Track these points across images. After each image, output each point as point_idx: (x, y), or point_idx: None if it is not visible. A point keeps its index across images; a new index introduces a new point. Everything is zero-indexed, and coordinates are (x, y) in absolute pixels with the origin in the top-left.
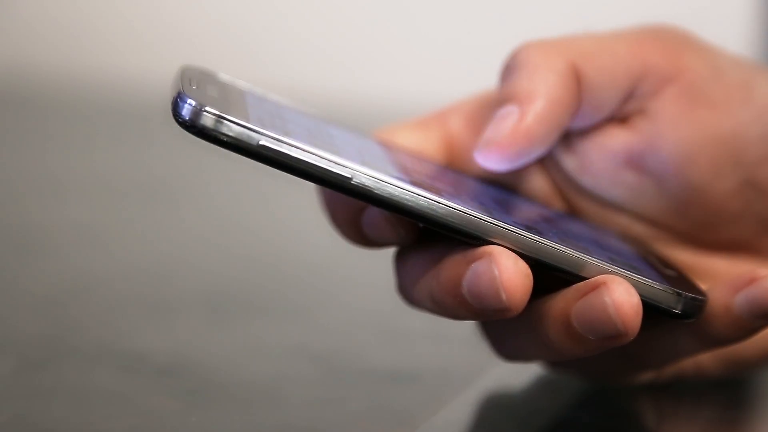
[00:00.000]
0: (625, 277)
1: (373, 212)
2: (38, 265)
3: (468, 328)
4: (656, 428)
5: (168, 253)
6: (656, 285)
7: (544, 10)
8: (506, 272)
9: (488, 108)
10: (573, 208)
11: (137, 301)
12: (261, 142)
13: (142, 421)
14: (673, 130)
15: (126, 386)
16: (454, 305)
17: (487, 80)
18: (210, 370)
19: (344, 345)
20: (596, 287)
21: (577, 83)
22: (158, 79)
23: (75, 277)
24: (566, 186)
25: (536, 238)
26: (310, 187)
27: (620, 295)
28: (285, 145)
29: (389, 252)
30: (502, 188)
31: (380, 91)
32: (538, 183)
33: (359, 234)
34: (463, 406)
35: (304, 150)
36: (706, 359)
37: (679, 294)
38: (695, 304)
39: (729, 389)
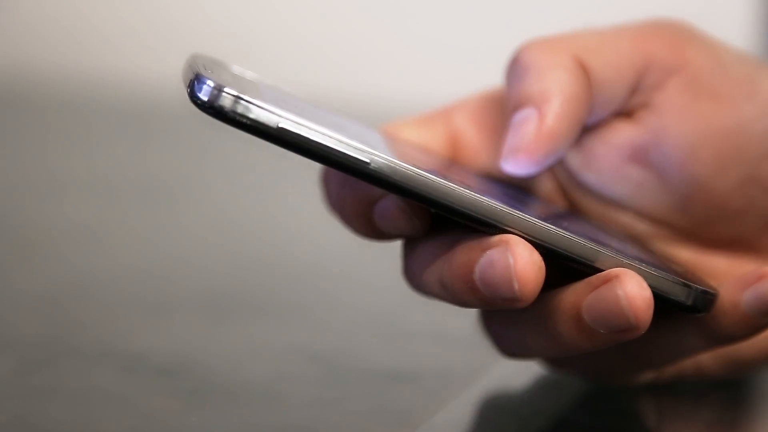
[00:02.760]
0: (638, 270)
1: (386, 203)
2: (38, 265)
3: (468, 328)
4: (656, 428)
5: (168, 253)
6: (669, 277)
7: (544, 9)
8: (521, 262)
9: (494, 106)
10: (574, 205)
11: (137, 301)
12: (280, 125)
13: (142, 421)
14: (677, 123)
15: (126, 386)
16: (464, 291)
17: (488, 80)
18: (210, 370)
19: (344, 345)
20: (608, 280)
21: (587, 77)
22: (158, 80)
23: (75, 277)
24: (568, 183)
25: (552, 227)
26: (310, 187)
27: (633, 288)
28: (304, 128)
29: (390, 252)
30: (507, 184)
31: (380, 91)
32: (541, 182)
33: (370, 226)
34: (463, 406)
35: (323, 133)
36: (706, 359)
37: (690, 287)
38: (706, 298)
39: (729, 389)
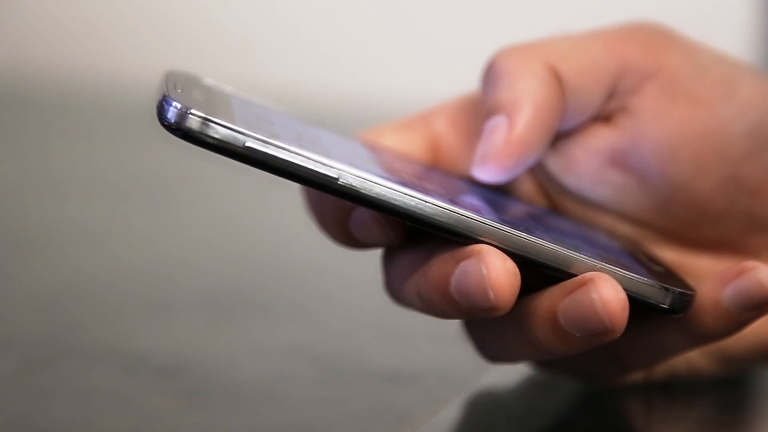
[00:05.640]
0: (613, 274)
1: (361, 213)
2: (38, 265)
3: None
4: (657, 428)
5: (168, 253)
6: (644, 280)
7: (541, 10)
8: (494, 271)
9: (473, 109)
10: (557, 208)
11: (137, 301)
12: (247, 144)
13: (142, 421)
14: (654, 127)
15: (126, 386)
16: (442, 303)
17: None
18: (210, 370)
19: (344, 345)
20: (583, 284)
21: (559, 84)
22: (158, 80)
23: (75, 277)
24: (551, 187)
25: (524, 235)
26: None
27: (607, 292)
28: (271, 146)
29: None
30: (487, 188)
31: (377, 91)
32: (523, 184)
33: (347, 235)
34: (463, 406)
35: (290, 151)
36: (698, 358)
37: (667, 289)
38: (683, 299)
39: (728, 389)
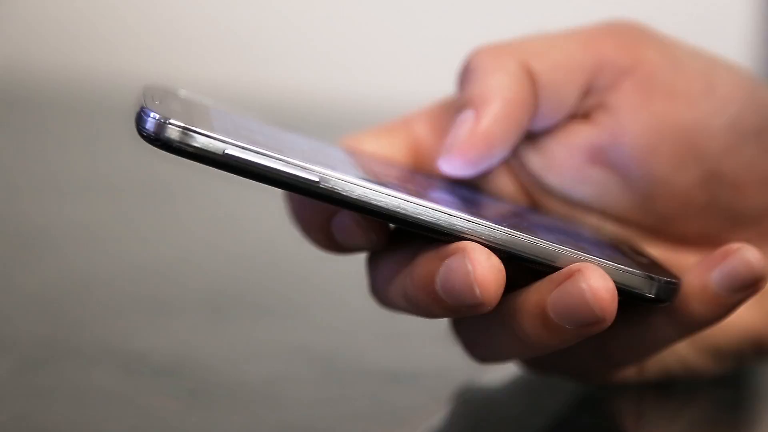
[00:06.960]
0: (599, 264)
1: (343, 217)
2: (38, 265)
3: None
4: (656, 428)
5: (168, 253)
6: (629, 270)
7: (541, 10)
8: (479, 267)
9: (453, 112)
10: (540, 208)
11: (137, 301)
12: (227, 151)
13: (142, 421)
14: (632, 122)
15: (126, 386)
16: (428, 302)
17: None
18: (210, 370)
19: (344, 345)
20: (571, 275)
21: (532, 82)
22: (158, 80)
23: (75, 277)
24: (532, 186)
25: (508, 230)
26: None
27: (596, 281)
28: (251, 152)
29: None
30: (470, 189)
31: (375, 91)
32: (505, 184)
33: (330, 240)
34: (463, 406)
35: (270, 156)
36: (690, 354)
37: (651, 278)
38: (669, 288)
39: (724, 388)
